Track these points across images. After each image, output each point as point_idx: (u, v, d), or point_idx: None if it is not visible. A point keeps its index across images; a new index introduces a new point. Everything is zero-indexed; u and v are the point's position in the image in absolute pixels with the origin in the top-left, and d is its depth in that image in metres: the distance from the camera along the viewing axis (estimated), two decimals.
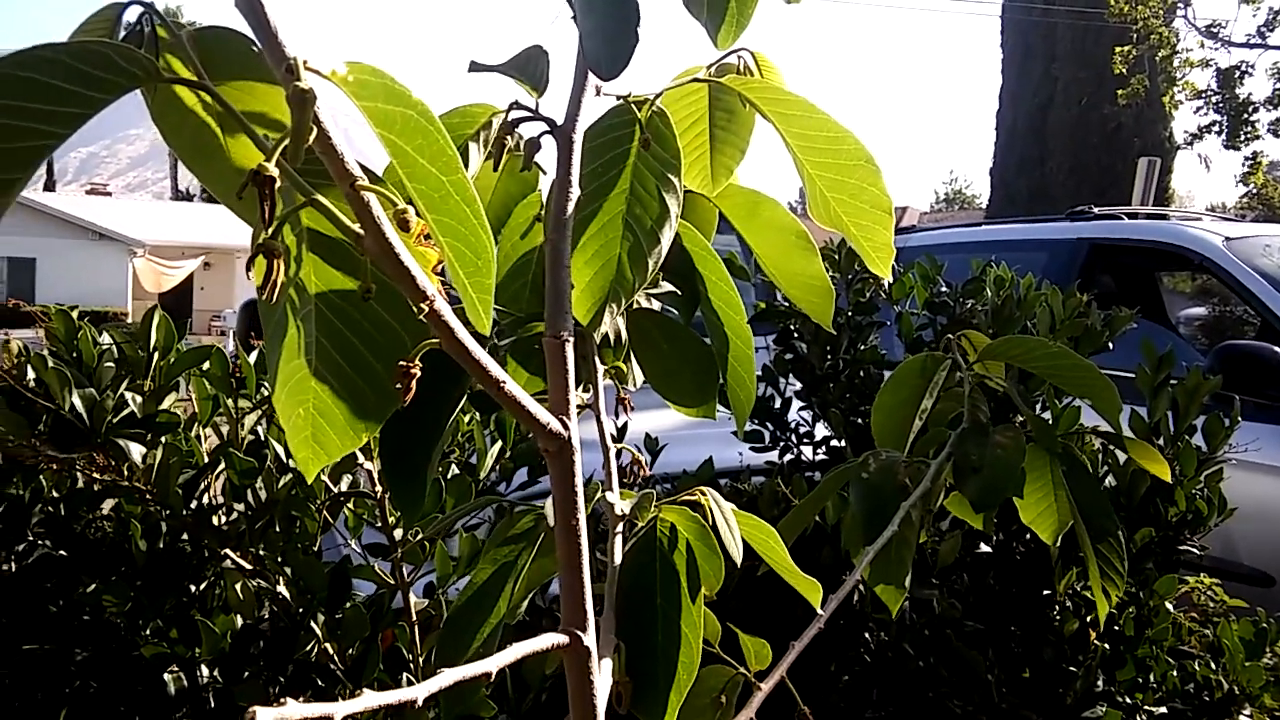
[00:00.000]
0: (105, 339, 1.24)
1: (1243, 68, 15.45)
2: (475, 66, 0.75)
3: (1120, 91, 15.28)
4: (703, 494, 0.77)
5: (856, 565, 0.97)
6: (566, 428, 0.62)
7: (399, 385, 0.58)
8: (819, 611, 0.84)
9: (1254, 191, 18.84)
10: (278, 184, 0.47)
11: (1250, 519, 2.24)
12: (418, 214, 0.48)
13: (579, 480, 0.63)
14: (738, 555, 0.74)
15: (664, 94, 0.80)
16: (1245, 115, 15.45)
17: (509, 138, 0.74)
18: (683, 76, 0.85)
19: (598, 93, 0.73)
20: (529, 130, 0.75)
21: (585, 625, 0.62)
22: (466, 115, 0.74)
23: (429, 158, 0.45)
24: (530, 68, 0.75)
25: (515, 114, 0.73)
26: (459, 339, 0.54)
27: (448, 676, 0.51)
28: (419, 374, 0.58)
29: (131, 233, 25.29)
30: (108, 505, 1.31)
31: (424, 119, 0.44)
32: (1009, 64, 20.99)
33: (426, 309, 0.52)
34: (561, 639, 0.60)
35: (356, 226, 0.51)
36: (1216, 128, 15.77)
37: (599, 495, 0.78)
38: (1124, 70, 14.96)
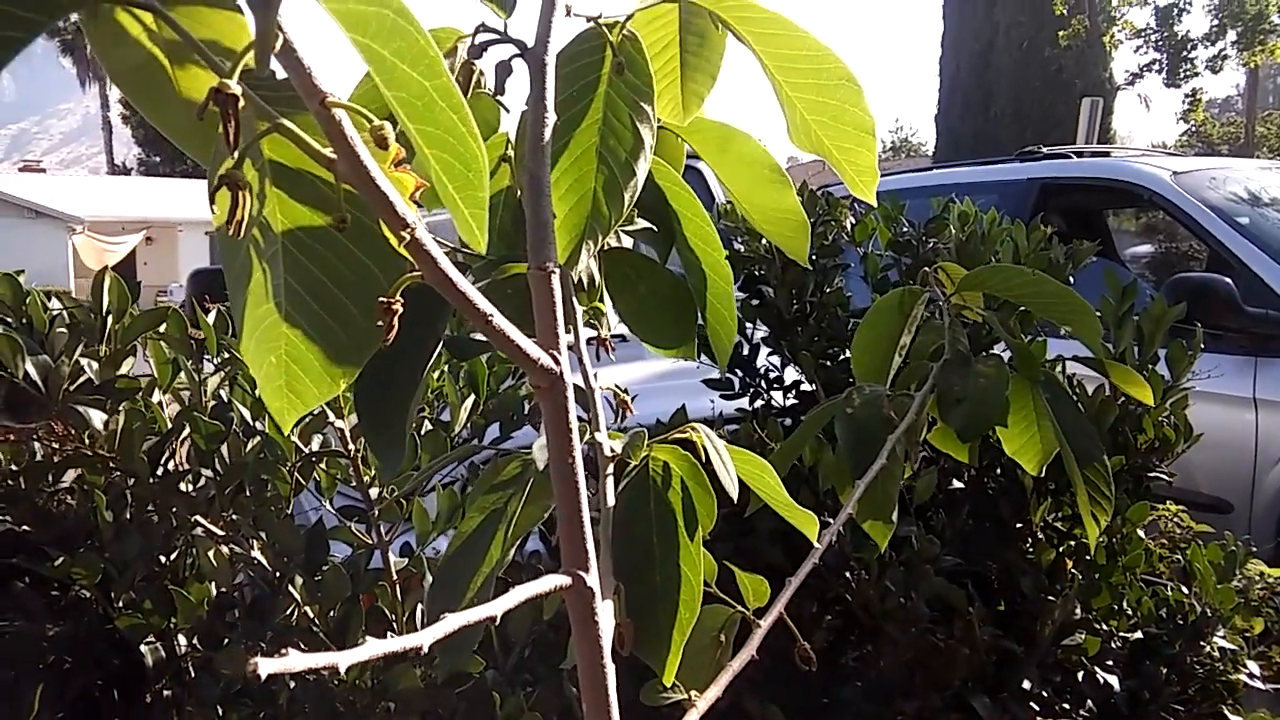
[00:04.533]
0: (55, 304, 1.18)
1: (1180, 4, 15.55)
2: None
3: (1061, 33, 15.31)
4: (694, 430, 0.75)
5: (845, 501, 0.95)
6: (558, 363, 0.60)
7: (380, 323, 0.55)
8: (815, 544, 0.82)
9: (1194, 129, 19.07)
10: (240, 104, 0.43)
11: (1208, 448, 2.28)
12: (398, 128, 0.44)
13: (573, 417, 0.61)
14: (733, 490, 0.72)
15: (634, 16, 0.76)
16: (1184, 52, 15.58)
17: (476, 64, 0.70)
18: None
19: (568, 12, 0.69)
20: (498, 54, 0.71)
21: (587, 565, 0.59)
22: None
23: (409, 61, 0.41)
24: None
25: (483, 37, 0.69)
26: (443, 270, 0.51)
27: (452, 621, 0.48)
28: (400, 310, 0.55)
29: (69, 209, 24.53)
30: (70, 476, 1.26)
31: (402, 18, 0.40)
32: (950, 9, 20.94)
33: (407, 238, 0.49)
34: (564, 580, 0.58)
35: (328, 151, 0.48)
36: (1156, 66, 15.90)
37: (588, 435, 0.75)
38: (1064, 11, 14.99)
